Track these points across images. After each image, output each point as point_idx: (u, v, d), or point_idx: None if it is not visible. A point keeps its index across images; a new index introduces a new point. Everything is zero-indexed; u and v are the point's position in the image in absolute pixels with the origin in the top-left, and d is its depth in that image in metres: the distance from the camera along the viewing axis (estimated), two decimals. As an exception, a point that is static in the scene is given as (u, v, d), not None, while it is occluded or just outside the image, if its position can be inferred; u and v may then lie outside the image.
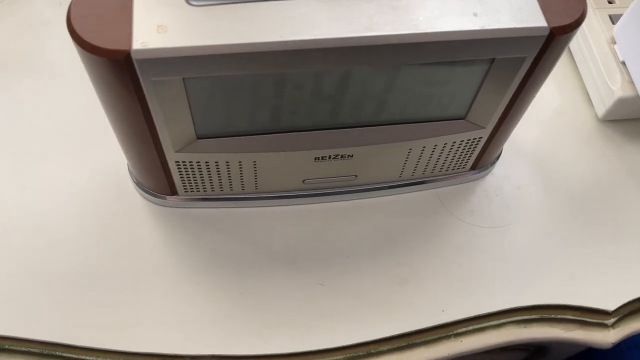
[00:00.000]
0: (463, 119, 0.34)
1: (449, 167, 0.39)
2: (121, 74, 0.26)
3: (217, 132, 0.32)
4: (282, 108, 0.31)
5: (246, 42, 0.25)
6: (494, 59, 0.29)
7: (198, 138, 0.32)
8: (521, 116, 0.35)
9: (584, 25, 0.45)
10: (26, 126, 0.41)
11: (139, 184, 0.38)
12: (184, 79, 0.27)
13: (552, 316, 0.37)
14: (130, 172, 0.38)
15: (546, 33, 0.27)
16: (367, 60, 0.27)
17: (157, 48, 0.25)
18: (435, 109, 0.33)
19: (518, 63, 0.29)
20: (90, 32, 0.25)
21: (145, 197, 0.38)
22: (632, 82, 0.41)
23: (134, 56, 0.25)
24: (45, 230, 0.37)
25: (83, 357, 0.34)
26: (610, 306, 0.38)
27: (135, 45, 0.25)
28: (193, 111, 0.30)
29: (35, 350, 0.34)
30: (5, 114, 0.41)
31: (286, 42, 0.25)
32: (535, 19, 0.27)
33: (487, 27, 0.26)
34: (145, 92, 0.27)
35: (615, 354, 0.55)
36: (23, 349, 0.34)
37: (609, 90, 0.42)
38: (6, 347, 0.34)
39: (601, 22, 0.44)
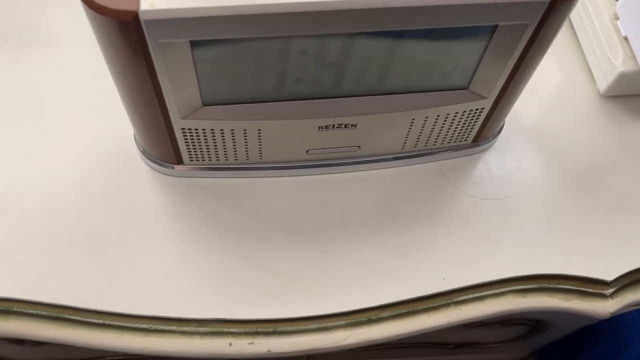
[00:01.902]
0: (465, 89, 0.35)
1: (451, 139, 0.39)
2: (129, 35, 0.26)
3: (223, 99, 0.32)
4: (287, 75, 0.31)
5: (254, 4, 0.26)
6: (496, 26, 0.29)
7: (204, 105, 0.32)
8: (523, 87, 0.35)
9: (587, 0, 0.45)
10: (31, 96, 0.41)
11: (144, 153, 0.38)
12: (191, 42, 0.27)
13: (552, 286, 0.38)
14: (136, 141, 0.39)
15: (549, -1, 0.28)
16: (371, 24, 0.27)
17: (165, 9, 0.25)
18: (438, 78, 0.33)
19: (520, 30, 0.29)
20: (98, -7, 0.25)
21: (150, 166, 0.39)
22: (634, 58, 0.42)
23: (141, 17, 0.25)
24: (51, 197, 0.38)
25: (90, 319, 0.34)
26: (609, 276, 0.38)
27: (143, 5, 0.25)
28: (199, 77, 0.30)
29: (43, 312, 0.34)
30: (10, 83, 0.41)
31: (292, 4, 0.26)
32: (538, -15, 0.27)
33: (490, -9, 0.27)
34: (152, 55, 0.28)
35: (614, 330, 0.55)
36: (31, 311, 0.34)
37: (611, 65, 0.42)
38: (14, 309, 0.34)
39: (604, -3, 0.45)
